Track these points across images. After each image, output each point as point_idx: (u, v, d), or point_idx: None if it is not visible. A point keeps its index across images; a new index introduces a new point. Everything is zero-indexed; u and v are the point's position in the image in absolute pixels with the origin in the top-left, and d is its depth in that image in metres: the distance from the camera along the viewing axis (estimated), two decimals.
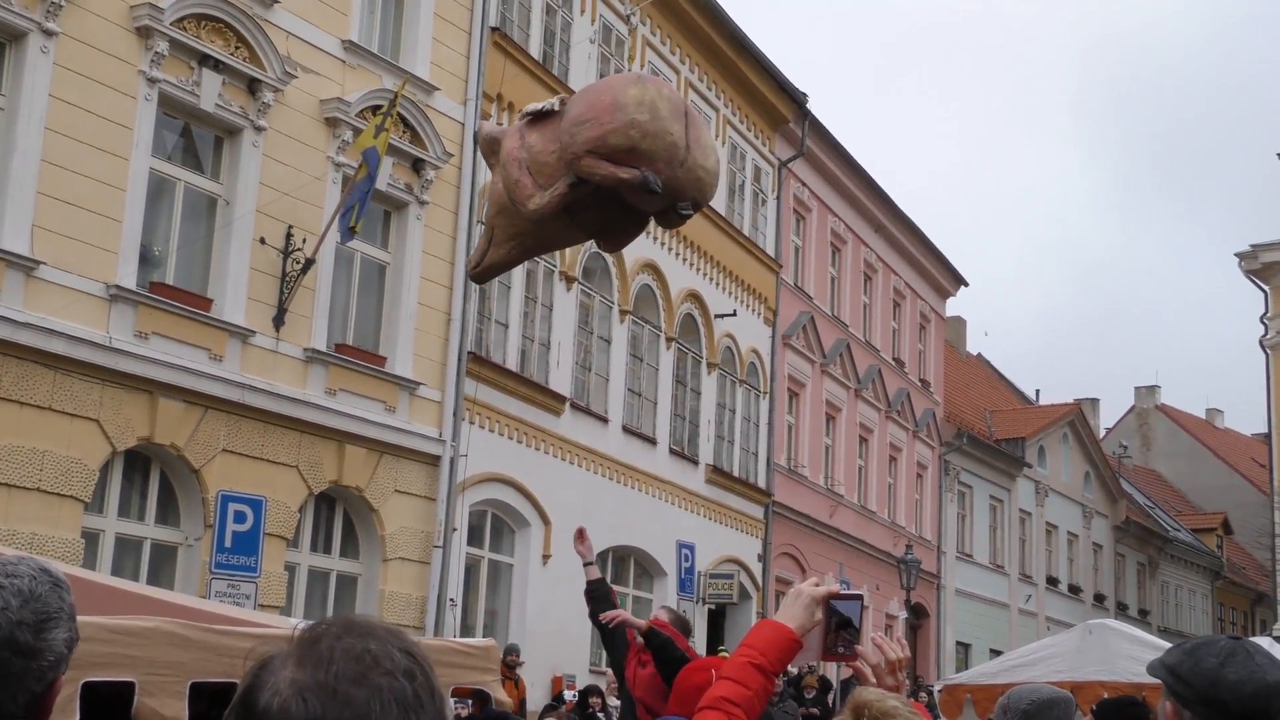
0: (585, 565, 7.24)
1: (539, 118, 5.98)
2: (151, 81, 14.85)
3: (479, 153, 19.09)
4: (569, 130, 5.74)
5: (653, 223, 6.16)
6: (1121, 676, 13.47)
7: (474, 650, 7.10)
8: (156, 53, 14.84)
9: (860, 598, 2.92)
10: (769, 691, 2.76)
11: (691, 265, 25.79)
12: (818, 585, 2.88)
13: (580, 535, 7.30)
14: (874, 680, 2.93)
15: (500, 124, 20.36)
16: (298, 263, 16.26)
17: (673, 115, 5.63)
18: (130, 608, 5.99)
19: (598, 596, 7.02)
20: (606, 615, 6.58)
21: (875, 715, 2.79)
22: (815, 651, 2.87)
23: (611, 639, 6.75)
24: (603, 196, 5.77)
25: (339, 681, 1.51)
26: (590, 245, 22.43)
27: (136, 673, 5.24)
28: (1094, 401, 58.53)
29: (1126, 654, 14.08)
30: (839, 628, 2.87)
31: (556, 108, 5.90)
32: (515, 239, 6.05)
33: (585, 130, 5.66)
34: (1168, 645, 14.79)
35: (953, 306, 42.61)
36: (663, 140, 5.55)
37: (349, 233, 16.18)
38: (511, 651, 18.22)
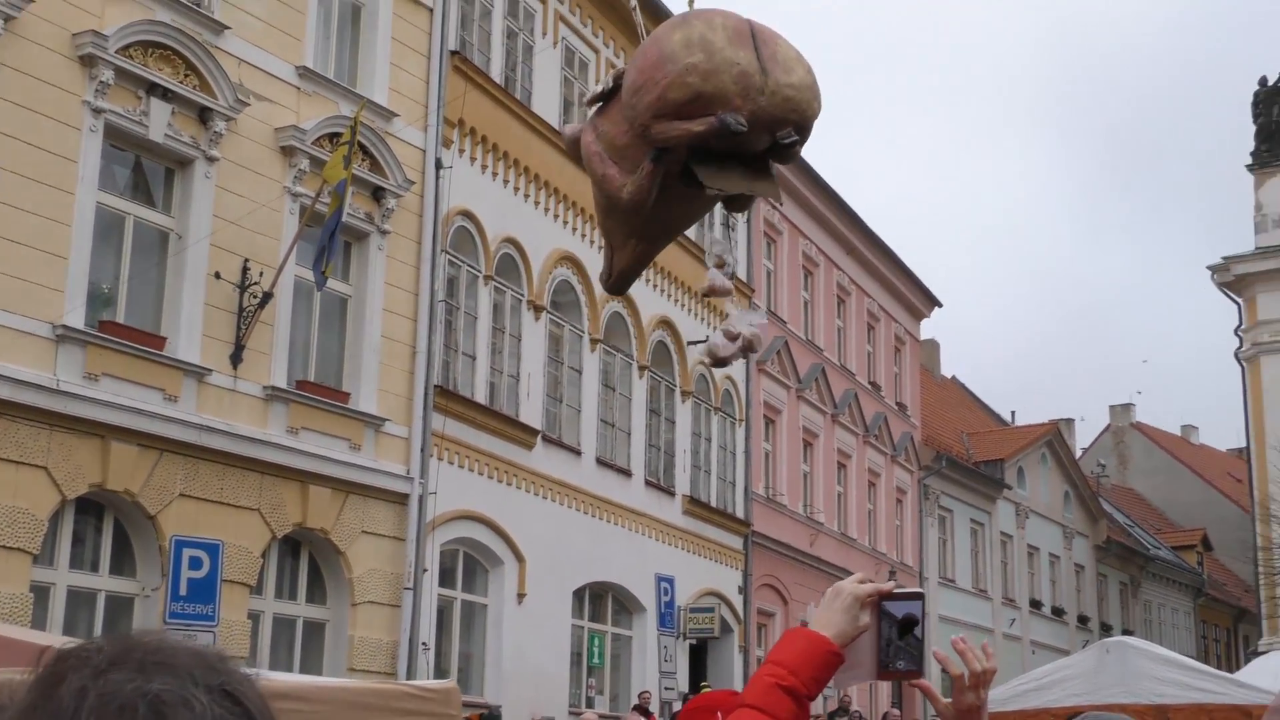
0: None
1: (601, 101, 5.38)
2: (97, 112, 14.24)
3: (440, 180, 18.57)
4: (629, 102, 5.14)
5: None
6: (1143, 698, 12.38)
7: (432, 694, 6.40)
8: (101, 82, 14.22)
9: (921, 596, 2.28)
10: None
11: (662, 291, 25.26)
12: (864, 582, 2.26)
13: None
14: (946, 701, 2.28)
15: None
16: (255, 297, 15.63)
17: (733, 42, 4.99)
18: None
19: None
20: None
21: None
22: (867, 668, 2.25)
23: None
24: (700, 155, 5.14)
25: None
26: (557, 274, 22.01)
27: None
28: (1069, 422, 58.21)
29: (1148, 674, 13.02)
30: (900, 633, 2.24)
31: (612, 84, 5.31)
32: (634, 236, 5.42)
33: (643, 96, 5.05)
34: (1193, 663, 13.99)
35: (925, 328, 42.25)
36: (728, 74, 4.91)
37: (322, 278, 15.62)
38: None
